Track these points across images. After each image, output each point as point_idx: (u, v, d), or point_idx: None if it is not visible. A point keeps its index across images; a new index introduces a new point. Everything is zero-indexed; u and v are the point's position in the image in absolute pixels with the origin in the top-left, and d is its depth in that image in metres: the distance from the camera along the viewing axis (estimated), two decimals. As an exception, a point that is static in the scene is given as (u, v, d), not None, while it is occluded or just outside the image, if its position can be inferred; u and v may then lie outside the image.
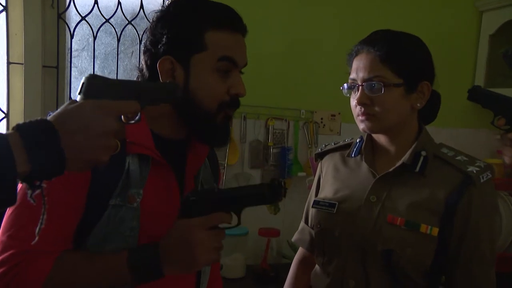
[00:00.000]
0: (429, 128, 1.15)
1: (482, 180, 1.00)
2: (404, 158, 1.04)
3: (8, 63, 1.78)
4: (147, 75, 0.93)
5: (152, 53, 0.91)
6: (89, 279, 0.82)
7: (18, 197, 0.70)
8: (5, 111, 1.81)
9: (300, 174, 2.13)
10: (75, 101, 0.67)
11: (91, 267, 0.82)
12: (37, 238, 0.66)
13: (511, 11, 2.15)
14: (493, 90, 2.20)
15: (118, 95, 0.71)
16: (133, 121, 0.74)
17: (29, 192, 0.62)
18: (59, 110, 0.64)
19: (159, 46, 0.90)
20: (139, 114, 0.74)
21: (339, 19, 2.17)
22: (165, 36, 0.89)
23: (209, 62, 0.89)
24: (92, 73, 0.74)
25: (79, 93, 0.70)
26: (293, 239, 1.29)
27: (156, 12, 0.93)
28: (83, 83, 0.70)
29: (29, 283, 0.78)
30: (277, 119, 2.12)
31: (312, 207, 1.17)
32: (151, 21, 0.93)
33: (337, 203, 1.11)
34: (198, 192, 0.89)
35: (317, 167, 2.04)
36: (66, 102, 0.66)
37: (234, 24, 0.93)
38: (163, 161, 0.91)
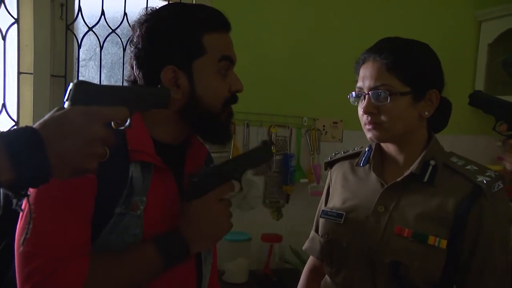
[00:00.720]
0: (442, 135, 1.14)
1: (493, 191, 0.97)
2: (413, 168, 1.02)
3: (19, 73, 1.83)
4: (132, 75, 0.94)
5: (150, 65, 0.91)
6: (124, 275, 0.85)
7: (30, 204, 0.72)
8: (15, 119, 1.85)
9: (303, 180, 2.17)
10: (63, 108, 0.66)
11: (122, 263, 0.85)
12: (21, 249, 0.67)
13: (509, 21, 2.19)
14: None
15: (107, 101, 0.69)
16: (123, 127, 0.73)
17: (14, 201, 0.61)
18: (45, 117, 0.63)
19: (157, 57, 0.90)
20: (129, 120, 0.73)
21: (341, 28, 2.22)
22: (163, 47, 0.90)
23: (211, 65, 0.91)
24: (79, 79, 0.74)
25: (66, 100, 0.69)
26: (303, 248, 1.27)
27: (141, 23, 0.92)
28: (70, 90, 0.68)
29: None
30: (280, 126, 2.16)
31: (321, 217, 1.16)
32: (138, 32, 0.92)
33: (344, 213, 1.09)
34: (198, 173, 0.91)
35: (320, 173, 2.09)
36: (53, 109, 0.65)
37: (225, 24, 0.95)
38: (165, 167, 0.92)
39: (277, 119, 2.15)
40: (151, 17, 0.92)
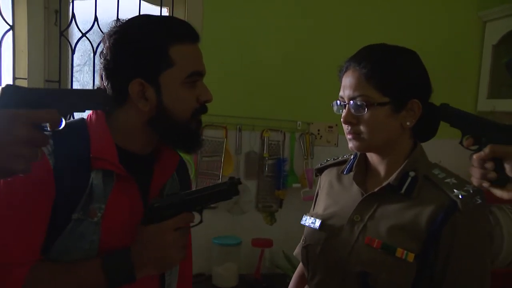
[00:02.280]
0: (434, 140, 1.07)
1: (468, 206, 0.94)
2: (391, 179, 1.01)
3: (14, 78, 1.88)
4: (114, 97, 0.93)
5: (118, 76, 0.91)
6: (66, 286, 0.86)
7: None
8: (10, 124, 1.92)
9: (295, 185, 2.15)
10: None
11: (67, 276, 0.85)
12: None
13: (513, 21, 2.10)
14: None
15: (36, 104, 0.70)
16: (57, 129, 0.73)
17: None
18: None
19: (125, 70, 0.91)
20: (62, 122, 0.73)
21: (337, 32, 2.18)
22: (130, 59, 0.90)
23: (178, 77, 0.91)
24: (10, 83, 0.74)
25: None
26: (294, 253, 1.26)
27: (110, 35, 0.92)
28: None
29: None
30: (273, 131, 2.15)
31: (301, 223, 1.15)
32: (107, 43, 0.92)
33: (321, 220, 1.09)
34: (160, 199, 0.92)
35: (313, 178, 2.06)
36: None
37: (191, 35, 0.94)
38: (128, 176, 0.92)
39: (271, 123, 2.14)
40: (119, 29, 0.92)
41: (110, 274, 0.85)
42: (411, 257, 0.95)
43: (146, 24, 0.93)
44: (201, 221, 0.93)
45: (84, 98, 0.78)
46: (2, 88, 0.69)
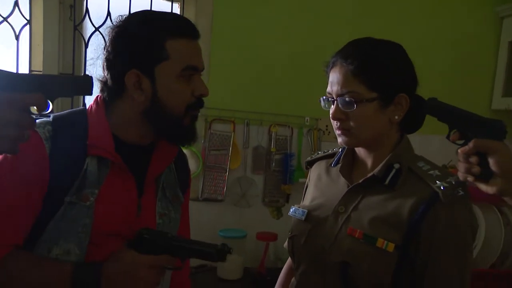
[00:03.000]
0: (436, 136, 1.05)
1: (450, 197, 0.95)
2: (376, 170, 1.02)
3: (30, 71, 1.96)
4: (113, 88, 0.97)
5: (117, 67, 0.95)
6: (31, 282, 0.88)
7: None
8: (26, 115, 2.00)
9: (302, 180, 2.14)
10: None
11: (37, 269, 0.88)
12: None
13: (531, 17, 2.05)
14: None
15: (23, 88, 0.74)
16: (45, 112, 0.77)
17: None
18: None
19: (123, 61, 0.94)
20: (49, 105, 0.77)
21: (345, 28, 2.17)
22: (127, 51, 0.94)
23: (173, 70, 0.94)
24: None
25: None
26: (284, 245, 1.28)
27: (113, 28, 0.97)
28: None
29: None
30: (281, 126, 2.16)
31: (289, 214, 1.18)
32: (109, 36, 0.97)
33: (307, 210, 1.11)
34: (152, 232, 0.94)
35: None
36: None
37: (189, 30, 0.97)
38: (122, 164, 0.96)
39: (279, 118, 2.15)
40: (121, 23, 0.97)
41: (76, 283, 0.87)
42: (391, 247, 0.96)
43: (145, 18, 0.97)
44: (180, 268, 0.95)
45: (70, 84, 0.82)
46: None
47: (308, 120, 2.18)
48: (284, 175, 2.16)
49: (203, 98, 1.02)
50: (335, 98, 1.01)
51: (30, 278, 0.88)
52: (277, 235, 2.09)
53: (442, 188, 0.95)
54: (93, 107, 1.00)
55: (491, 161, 0.86)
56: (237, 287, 1.97)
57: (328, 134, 2.20)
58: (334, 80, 1.01)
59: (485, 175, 0.87)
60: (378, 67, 0.99)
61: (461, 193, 0.95)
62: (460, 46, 2.26)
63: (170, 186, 1.09)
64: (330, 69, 1.04)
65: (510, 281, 1.88)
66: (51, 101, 0.77)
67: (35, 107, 0.75)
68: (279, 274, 1.99)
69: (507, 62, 2.21)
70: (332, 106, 1.02)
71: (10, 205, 0.87)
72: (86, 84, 0.83)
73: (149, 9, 2.06)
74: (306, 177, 2.11)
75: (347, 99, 0.98)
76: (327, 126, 2.19)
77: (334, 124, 1.03)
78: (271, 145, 2.15)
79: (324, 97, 1.06)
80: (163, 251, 0.91)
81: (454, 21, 2.26)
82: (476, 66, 2.29)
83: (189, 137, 1.03)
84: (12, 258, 0.88)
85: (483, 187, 0.88)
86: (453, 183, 0.96)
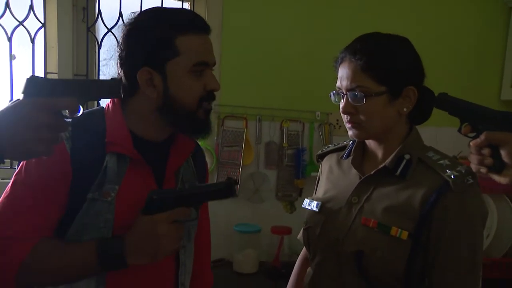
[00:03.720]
0: (449, 128, 1.07)
1: (460, 186, 0.97)
2: (387, 162, 1.05)
3: (45, 73, 2.00)
4: (127, 86, 0.99)
5: (129, 65, 0.98)
6: (61, 265, 0.91)
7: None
8: (42, 116, 2.04)
9: (314, 174, 2.17)
10: (17, 100, 0.75)
11: (63, 254, 0.91)
12: None
13: (540, 6, 2.05)
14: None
15: (57, 93, 0.78)
16: (76, 115, 0.80)
17: None
18: (2, 108, 0.73)
19: (134, 59, 0.96)
20: (80, 109, 0.80)
21: (355, 22, 2.19)
22: (139, 49, 0.96)
23: (184, 66, 0.96)
24: (32, 75, 0.82)
25: (21, 93, 0.78)
26: (298, 236, 1.33)
27: (125, 25, 0.99)
28: (24, 84, 0.77)
29: (2, 269, 0.88)
30: (292, 121, 2.19)
31: (302, 206, 1.21)
32: (122, 33, 0.99)
33: (321, 203, 1.14)
34: (159, 191, 0.95)
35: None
36: (11, 102, 0.75)
37: (198, 26, 0.98)
38: (141, 160, 0.99)
39: (290, 114, 2.18)
40: (133, 20, 0.99)
41: (102, 257, 0.89)
42: (404, 235, 0.98)
43: (155, 15, 0.99)
44: (197, 217, 0.96)
45: (99, 87, 0.85)
46: (27, 79, 0.77)
47: (319, 115, 2.20)
48: (296, 169, 2.19)
49: (215, 93, 1.03)
50: (344, 93, 1.04)
51: (58, 261, 0.91)
52: (291, 228, 2.12)
53: (452, 177, 0.97)
54: (110, 106, 1.02)
55: (503, 152, 0.88)
56: (253, 281, 2.01)
57: (339, 128, 2.22)
58: (343, 75, 1.04)
59: (498, 167, 0.89)
60: (386, 61, 1.01)
61: (471, 181, 0.98)
62: (469, 37, 2.27)
63: (188, 180, 1.11)
64: (339, 65, 1.07)
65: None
66: (81, 105, 0.81)
67: (67, 111, 0.79)
68: (293, 268, 2.04)
69: (516, 52, 2.22)
70: (342, 100, 1.05)
71: (34, 201, 0.91)
72: (115, 87, 0.86)
73: (152, 7, 2.09)
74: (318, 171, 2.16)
75: (356, 93, 1.00)
76: (337, 120, 2.21)
77: (345, 117, 1.06)
78: (283, 141, 2.18)
79: (334, 92, 1.08)
80: (175, 205, 0.92)
81: (462, 11, 2.26)
82: (484, 57, 2.29)
83: (204, 130, 1.04)
84: (41, 244, 0.91)
85: (496, 178, 0.91)
86: (463, 172, 0.98)
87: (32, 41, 1.97)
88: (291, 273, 1.97)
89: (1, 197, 0.94)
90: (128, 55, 0.98)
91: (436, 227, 0.98)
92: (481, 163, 0.91)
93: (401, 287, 1.02)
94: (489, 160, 0.89)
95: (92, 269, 0.91)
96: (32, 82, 0.77)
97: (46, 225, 0.94)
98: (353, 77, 1.01)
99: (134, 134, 1.01)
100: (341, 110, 1.05)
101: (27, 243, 0.90)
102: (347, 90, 1.02)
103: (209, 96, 1.00)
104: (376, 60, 1.00)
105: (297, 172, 2.19)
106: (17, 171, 0.95)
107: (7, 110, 0.73)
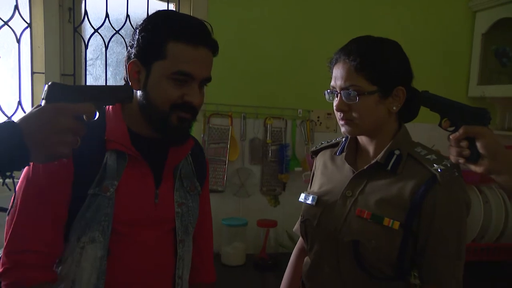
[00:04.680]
0: (426, 125, 1.15)
1: (446, 178, 1.03)
2: (378, 157, 1.11)
3: (32, 73, 2.01)
4: (125, 73, 1.06)
5: (128, 54, 1.04)
6: None
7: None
8: (30, 115, 2.04)
9: (297, 169, 2.27)
10: (40, 105, 0.79)
11: None
12: (7, 216, 0.80)
13: (501, 10, 2.21)
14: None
15: (76, 98, 0.82)
16: (92, 120, 0.85)
17: (2, 181, 0.74)
18: (26, 113, 0.76)
19: (132, 53, 1.03)
20: (96, 113, 0.85)
21: (332, 24, 2.29)
22: (136, 43, 1.01)
23: (165, 70, 0.98)
24: (53, 81, 0.83)
25: (42, 98, 0.81)
26: (294, 229, 1.37)
27: (139, 23, 1.05)
28: (45, 90, 0.81)
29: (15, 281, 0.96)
30: (275, 118, 2.26)
31: (299, 200, 1.27)
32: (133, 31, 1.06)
33: (317, 196, 1.20)
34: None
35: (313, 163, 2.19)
36: (34, 107, 0.78)
37: (195, 38, 0.99)
38: (139, 157, 1.03)
39: (273, 111, 2.25)
40: (145, 18, 1.04)
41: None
42: (396, 225, 1.05)
43: (158, 18, 1.03)
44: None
45: (113, 93, 0.91)
46: (48, 86, 0.81)
47: (301, 112, 2.28)
48: (280, 165, 2.26)
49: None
50: (339, 91, 1.09)
51: None
52: (277, 221, 2.20)
53: (439, 170, 1.04)
54: (110, 106, 1.07)
55: (478, 144, 0.97)
56: (241, 272, 2.06)
57: (320, 125, 2.32)
58: (337, 75, 1.09)
59: (474, 157, 0.99)
60: (378, 63, 1.07)
61: (456, 174, 1.05)
62: (438, 39, 2.41)
63: (187, 176, 1.15)
64: (334, 65, 1.12)
65: (489, 252, 2.06)
66: (97, 110, 0.86)
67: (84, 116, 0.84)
68: (279, 259, 2.13)
69: (481, 53, 2.37)
70: (336, 98, 1.11)
71: (47, 206, 0.97)
72: (126, 92, 0.92)
73: (147, 10, 2.14)
74: (301, 166, 2.27)
75: (350, 92, 1.06)
76: (318, 117, 2.31)
77: (338, 115, 1.12)
78: (267, 137, 2.25)
79: (328, 90, 1.14)
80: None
81: (432, 16, 2.40)
82: (453, 57, 2.45)
83: (176, 137, 1.06)
84: None
85: (472, 167, 1.01)
86: (448, 165, 1.05)
87: (18, 41, 1.98)
88: (277, 264, 2.07)
89: (14, 208, 0.98)
90: (130, 50, 1.04)
91: (425, 216, 1.05)
92: (459, 154, 1.00)
93: (394, 273, 1.09)
94: (467, 152, 0.99)
95: None
96: (53, 88, 0.81)
97: (59, 229, 1.00)
98: (347, 77, 1.07)
99: (133, 132, 1.05)
100: (335, 107, 1.11)
101: (31, 273, 0.96)
102: (341, 89, 1.08)
103: (185, 106, 1.01)
104: (369, 62, 1.06)
105: (280, 167, 2.27)
106: (22, 176, 0.99)
107: (32, 114, 0.76)
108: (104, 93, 0.89)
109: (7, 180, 0.76)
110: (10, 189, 0.77)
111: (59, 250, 1.01)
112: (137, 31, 1.02)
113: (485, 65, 2.37)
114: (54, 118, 0.76)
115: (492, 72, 2.36)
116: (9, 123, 0.73)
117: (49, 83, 0.81)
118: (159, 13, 1.05)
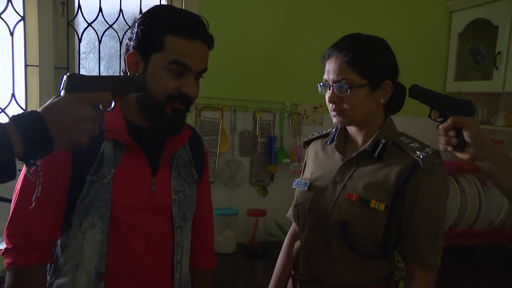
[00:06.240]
0: (407, 118, 1.22)
1: (428, 164, 1.10)
2: (366, 145, 1.18)
3: (26, 65, 2.02)
4: (123, 65, 1.08)
5: (127, 47, 1.07)
6: None
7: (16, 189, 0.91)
8: (24, 108, 2.06)
9: (285, 160, 2.35)
10: (59, 95, 0.81)
11: None
12: (33, 204, 0.82)
13: (476, 11, 2.35)
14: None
15: (93, 88, 0.84)
16: (109, 109, 0.88)
17: (27, 168, 0.77)
18: (46, 103, 0.78)
19: (130, 45, 1.06)
20: (113, 103, 0.87)
21: (318, 22, 2.38)
22: (135, 36, 1.05)
23: (162, 62, 1.02)
24: (71, 72, 0.85)
25: (61, 89, 0.82)
26: (287, 215, 1.44)
27: (138, 16, 1.09)
28: (64, 81, 0.82)
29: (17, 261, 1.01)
30: (264, 111, 2.34)
31: (293, 186, 1.33)
32: (132, 24, 1.09)
33: (309, 182, 1.27)
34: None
35: (301, 154, 2.28)
36: (53, 97, 0.80)
37: (192, 31, 1.03)
38: (135, 146, 1.06)
39: (262, 105, 2.33)
40: (142, 14, 1.08)
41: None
42: (382, 206, 1.13)
43: (157, 12, 1.07)
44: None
45: (128, 83, 0.93)
46: (67, 76, 0.83)
47: (289, 106, 2.37)
48: (268, 156, 2.34)
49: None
50: (331, 84, 1.16)
51: None
52: (266, 211, 2.29)
53: (421, 157, 1.11)
54: None
55: (465, 133, 1.06)
56: (232, 260, 2.12)
57: (307, 118, 2.40)
58: (330, 69, 1.16)
59: (461, 145, 1.07)
60: (368, 58, 1.14)
61: (437, 160, 1.13)
62: (418, 38, 2.53)
63: (184, 165, 1.18)
64: (326, 60, 1.19)
65: (464, 238, 2.20)
66: (113, 99, 0.88)
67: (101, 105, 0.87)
68: (268, 247, 2.21)
69: (457, 51, 2.51)
70: (328, 91, 1.17)
71: (47, 194, 0.98)
72: (140, 83, 0.95)
73: (140, 4, 2.18)
74: (289, 158, 2.35)
75: (342, 85, 1.13)
76: (305, 110, 2.40)
77: (330, 106, 1.19)
78: (256, 130, 2.32)
79: (321, 84, 1.21)
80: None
81: (412, 16, 2.52)
82: (431, 54, 2.58)
83: (170, 128, 1.09)
84: (39, 272, 1.03)
85: (459, 154, 1.10)
86: (430, 153, 1.12)
87: (11, 34, 1.99)
88: (266, 252, 2.16)
89: (15, 193, 1.02)
90: (129, 42, 1.07)
91: (408, 199, 1.12)
92: (448, 143, 1.09)
93: (380, 251, 1.18)
94: (454, 140, 1.07)
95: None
96: (72, 79, 0.83)
97: (57, 215, 1.04)
98: (339, 71, 1.14)
99: (130, 122, 1.08)
100: (327, 99, 1.18)
101: (30, 254, 1.02)
102: (334, 82, 1.15)
103: (181, 97, 1.04)
104: (360, 57, 1.13)
105: (269, 158, 2.34)
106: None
107: (53, 104, 0.78)
108: (119, 83, 0.92)
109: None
110: (32, 178, 0.78)
111: (56, 235, 1.06)
112: (136, 24, 1.06)
113: (461, 63, 2.51)
114: (74, 108, 0.79)
115: (467, 69, 2.51)
116: (33, 113, 0.75)
117: (68, 74, 0.84)
118: (157, 7, 1.09)
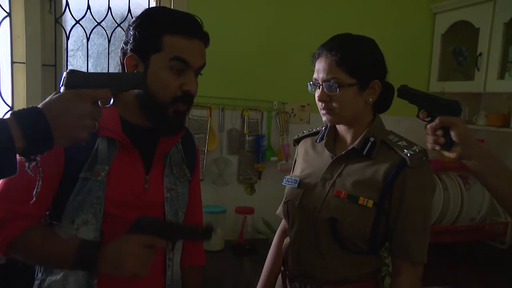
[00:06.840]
0: (394, 117, 1.25)
1: (415, 162, 1.12)
2: (355, 144, 1.20)
3: (12, 62, 2.00)
4: (121, 68, 1.10)
5: (124, 50, 1.08)
6: (43, 251, 1.00)
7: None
8: (10, 105, 2.04)
9: (273, 158, 2.38)
10: (59, 91, 0.82)
11: (48, 242, 1.00)
12: (34, 199, 0.84)
13: (459, 13, 2.41)
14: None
15: (93, 84, 0.85)
16: (108, 105, 0.89)
17: (27, 164, 0.76)
18: (47, 99, 0.79)
19: (127, 47, 1.06)
20: (112, 99, 0.89)
21: (305, 22, 2.41)
22: (132, 38, 1.05)
23: (163, 61, 1.03)
24: (71, 68, 0.86)
25: (61, 85, 0.84)
26: (277, 212, 1.44)
27: (133, 18, 1.09)
28: (64, 77, 0.83)
29: None
30: (252, 110, 2.36)
31: (283, 183, 1.35)
32: (128, 25, 1.10)
33: (299, 179, 1.29)
34: (147, 219, 1.01)
35: (288, 152, 2.30)
36: (53, 93, 0.81)
37: (189, 30, 1.05)
38: (129, 144, 1.07)
39: (250, 104, 2.34)
40: (139, 14, 1.09)
41: (79, 256, 0.96)
42: (370, 203, 1.15)
43: (153, 13, 1.08)
44: (172, 248, 1.06)
45: (127, 80, 0.94)
46: (67, 73, 0.84)
47: (276, 104, 2.39)
48: (256, 154, 2.36)
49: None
50: (320, 83, 1.18)
51: (43, 248, 1.01)
52: (254, 208, 2.31)
53: (408, 155, 1.13)
54: None
55: (452, 133, 1.09)
56: (220, 257, 2.14)
57: (294, 117, 2.43)
58: (320, 68, 1.18)
59: (448, 144, 1.10)
60: (357, 58, 1.16)
61: (424, 158, 1.15)
62: (402, 39, 2.57)
63: (177, 163, 1.20)
64: (316, 59, 1.21)
65: (447, 234, 2.26)
66: (112, 96, 0.89)
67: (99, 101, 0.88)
68: (256, 244, 2.23)
69: (441, 51, 2.56)
70: (318, 90, 1.19)
71: (30, 179, 0.92)
72: (139, 79, 0.96)
73: (128, 3, 2.17)
74: (276, 156, 2.38)
75: (331, 84, 1.15)
76: (292, 109, 2.43)
77: (320, 105, 1.21)
78: (244, 128, 2.34)
79: (310, 82, 1.23)
80: (154, 233, 0.99)
81: (396, 17, 2.57)
82: (415, 55, 2.62)
83: (171, 128, 1.10)
84: (31, 230, 1.01)
85: (446, 153, 1.12)
86: (417, 151, 1.15)
87: (-3, 30, 1.97)
88: (254, 249, 2.18)
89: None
90: (125, 42, 1.08)
91: (396, 196, 1.14)
92: (435, 142, 1.11)
93: (368, 247, 1.20)
94: (442, 140, 1.10)
95: (68, 262, 0.97)
96: (72, 75, 0.84)
97: (42, 204, 1.02)
98: (328, 70, 1.16)
99: (125, 120, 1.09)
100: (317, 98, 1.20)
101: (18, 223, 0.99)
102: (323, 81, 1.17)
103: (185, 97, 1.06)
104: (349, 57, 1.15)
105: (257, 157, 2.36)
106: None
107: (53, 100, 0.79)
108: (118, 79, 0.92)
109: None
110: (32, 173, 0.79)
111: (43, 213, 1.06)
112: (131, 27, 1.07)
113: (444, 63, 2.57)
114: (75, 104, 0.80)
115: (450, 70, 2.57)
116: (34, 109, 0.76)
117: (68, 71, 0.85)
118: (151, 9, 1.11)
